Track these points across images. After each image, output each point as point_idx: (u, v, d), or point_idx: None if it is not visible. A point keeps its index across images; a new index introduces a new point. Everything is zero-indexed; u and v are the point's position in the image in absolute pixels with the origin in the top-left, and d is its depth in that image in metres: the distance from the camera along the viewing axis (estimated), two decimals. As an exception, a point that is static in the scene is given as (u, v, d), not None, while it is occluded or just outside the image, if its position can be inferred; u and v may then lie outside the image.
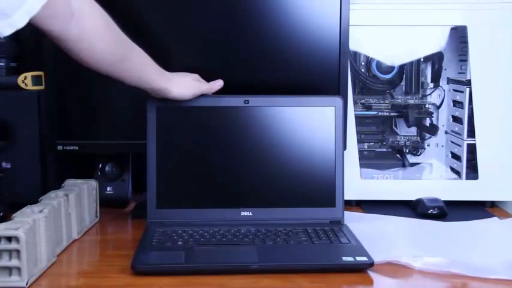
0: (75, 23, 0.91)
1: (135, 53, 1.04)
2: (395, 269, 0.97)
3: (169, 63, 1.22)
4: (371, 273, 0.95)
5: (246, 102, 1.16)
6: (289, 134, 1.16)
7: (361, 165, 1.36)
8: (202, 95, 1.15)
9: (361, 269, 0.96)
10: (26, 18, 0.84)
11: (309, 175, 1.15)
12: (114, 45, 0.98)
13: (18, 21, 0.84)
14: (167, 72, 1.11)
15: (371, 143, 1.47)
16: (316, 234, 1.07)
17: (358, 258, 0.96)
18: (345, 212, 1.15)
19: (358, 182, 1.35)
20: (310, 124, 1.16)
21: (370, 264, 0.95)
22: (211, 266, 0.96)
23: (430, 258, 0.98)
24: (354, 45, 1.39)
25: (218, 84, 1.17)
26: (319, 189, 1.15)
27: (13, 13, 0.83)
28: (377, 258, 0.97)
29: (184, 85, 1.11)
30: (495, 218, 1.25)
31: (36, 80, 1.28)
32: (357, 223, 1.15)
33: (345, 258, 0.96)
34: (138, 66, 1.04)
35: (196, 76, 1.16)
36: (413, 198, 1.32)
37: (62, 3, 0.88)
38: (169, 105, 1.13)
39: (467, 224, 1.21)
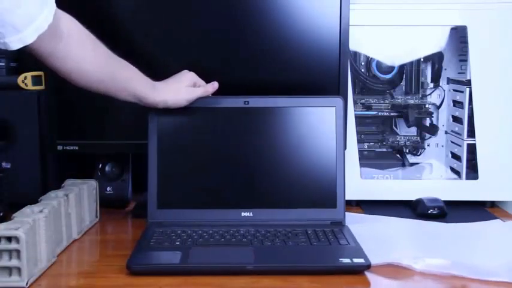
0: (64, 44, 0.96)
1: (124, 70, 1.06)
2: (395, 270, 0.97)
3: (169, 63, 1.22)
4: (370, 275, 0.94)
5: (246, 102, 1.16)
6: (290, 135, 1.16)
7: (361, 165, 1.36)
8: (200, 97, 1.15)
9: (358, 270, 0.95)
10: (35, 35, 0.90)
11: (309, 176, 1.15)
12: (102, 66, 1.02)
13: (28, 37, 0.89)
14: (158, 84, 1.11)
15: (371, 143, 1.46)
16: (315, 235, 1.06)
17: (355, 260, 0.95)
18: (346, 213, 1.14)
19: (358, 182, 1.35)
20: (311, 125, 1.16)
21: (367, 266, 0.95)
22: (207, 266, 0.95)
23: (431, 259, 0.97)
24: (354, 45, 1.39)
25: (213, 86, 1.16)
26: (320, 190, 1.14)
27: (24, 29, 0.88)
28: (378, 260, 0.97)
29: (178, 93, 1.11)
30: (498, 220, 1.24)
31: (36, 80, 1.28)
32: (359, 224, 1.14)
33: (342, 260, 0.96)
34: (128, 82, 1.06)
35: (192, 77, 1.15)
36: (413, 198, 1.32)
37: (56, 25, 0.93)
38: (169, 110, 1.12)
39: (469, 226, 1.20)
